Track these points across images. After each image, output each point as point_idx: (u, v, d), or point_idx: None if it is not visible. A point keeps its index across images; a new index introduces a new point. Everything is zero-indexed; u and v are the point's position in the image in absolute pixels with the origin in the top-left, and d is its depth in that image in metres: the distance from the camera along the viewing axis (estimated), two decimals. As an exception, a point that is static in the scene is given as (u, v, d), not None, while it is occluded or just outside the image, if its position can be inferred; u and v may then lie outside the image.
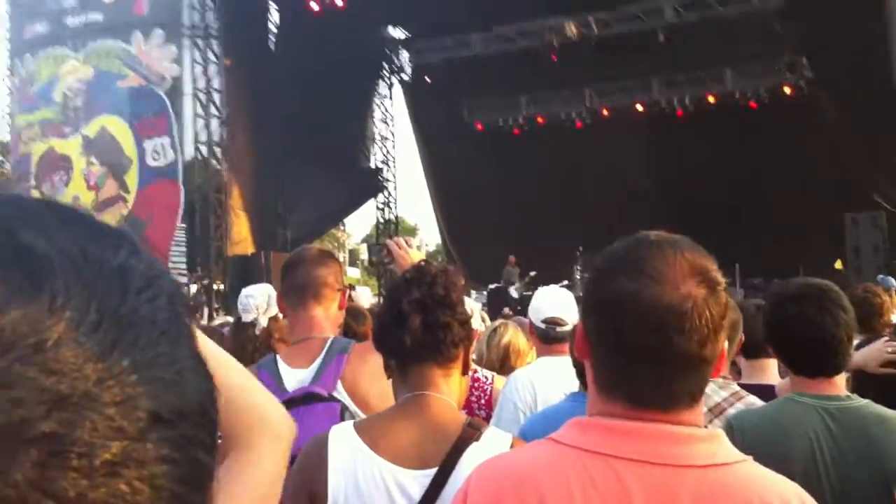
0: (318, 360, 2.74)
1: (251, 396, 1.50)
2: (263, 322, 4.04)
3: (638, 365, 1.32)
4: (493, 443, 1.99)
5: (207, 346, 1.53)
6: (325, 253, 3.08)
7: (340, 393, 2.65)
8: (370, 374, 2.56)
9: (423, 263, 2.26)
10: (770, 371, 3.50)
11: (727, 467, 1.31)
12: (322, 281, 2.89)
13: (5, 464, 0.39)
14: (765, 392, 3.12)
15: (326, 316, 2.89)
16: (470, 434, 2.00)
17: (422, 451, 1.99)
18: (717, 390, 3.02)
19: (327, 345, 2.78)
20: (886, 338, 4.07)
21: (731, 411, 2.88)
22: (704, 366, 1.33)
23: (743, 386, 3.37)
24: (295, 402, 2.56)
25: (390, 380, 2.17)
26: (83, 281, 0.44)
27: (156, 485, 0.43)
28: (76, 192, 19.46)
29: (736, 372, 3.60)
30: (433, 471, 1.96)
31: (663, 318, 1.29)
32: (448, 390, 2.10)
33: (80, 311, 0.43)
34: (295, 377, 2.72)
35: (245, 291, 4.27)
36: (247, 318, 4.32)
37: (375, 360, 2.23)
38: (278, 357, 2.82)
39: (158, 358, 0.45)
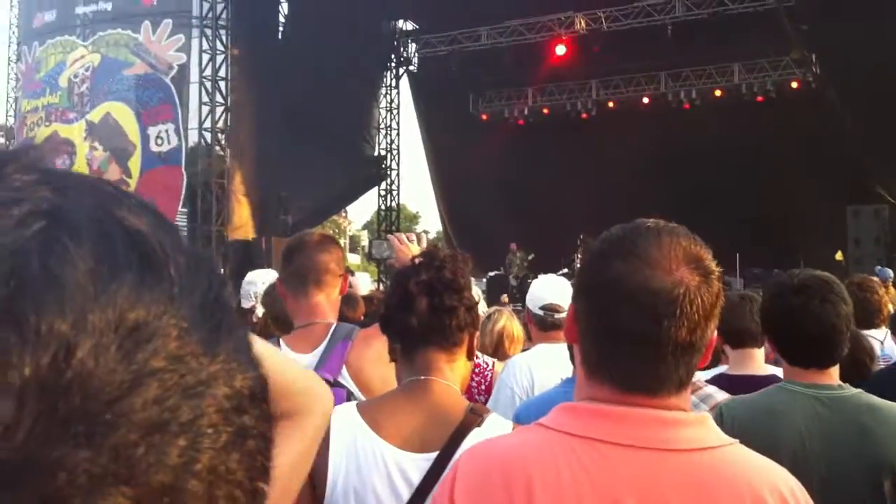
0: (322, 346, 2.74)
1: (289, 370, 1.49)
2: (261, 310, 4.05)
3: (626, 348, 1.32)
4: (494, 429, 1.99)
5: None
6: (326, 238, 3.04)
7: (345, 378, 2.66)
8: (374, 360, 2.57)
9: (432, 248, 2.27)
10: (757, 360, 3.50)
11: (715, 451, 1.32)
12: (324, 267, 2.87)
13: (159, 452, 0.40)
14: (752, 382, 3.13)
15: (328, 301, 2.88)
16: (472, 420, 2.00)
17: (423, 434, 2.00)
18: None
19: (331, 331, 2.78)
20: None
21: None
22: (693, 352, 1.33)
23: (730, 376, 3.38)
24: None
25: (394, 363, 2.17)
26: (187, 267, 0.45)
27: (256, 461, 0.46)
28: (79, 176, 19.45)
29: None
30: (434, 455, 1.96)
31: (654, 301, 1.29)
32: (452, 376, 2.10)
33: (192, 301, 0.44)
34: (300, 361, 2.70)
35: (247, 278, 4.28)
36: (246, 304, 4.33)
37: (380, 346, 2.24)
38: (282, 341, 2.82)
39: (241, 342, 0.47)
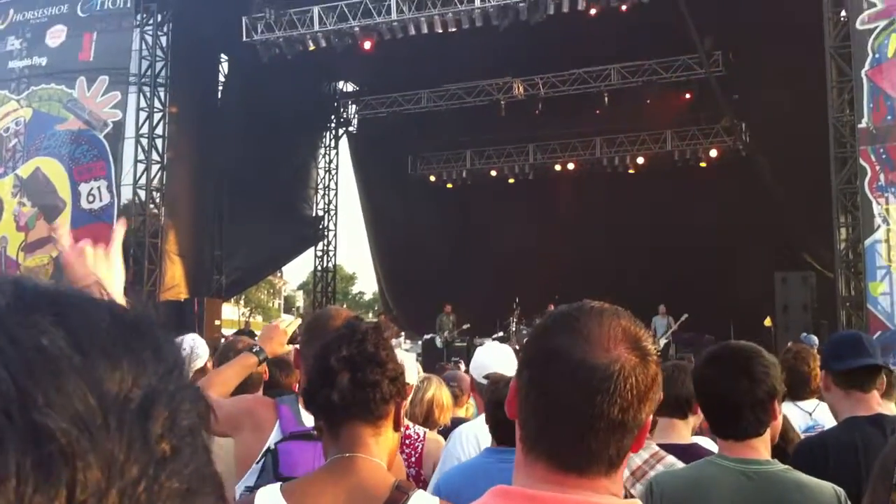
0: None
1: None
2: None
3: (560, 422, 1.33)
4: (420, 507, 1.94)
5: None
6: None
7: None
8: None
9: (354, 320, 2.24)
10: (679, 430, 3.56)
11: None
12: None
13: None
14: (674, 451, 3.19)
15: None
16: (397, 497, 1.96)
17: None
18: (638, 452, 3.02)
19: None
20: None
21: (652, 474, 2.90)
22: (625, 432, 1.33)
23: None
24: (312, 437, 2.64)
25: (321, 439, 2.13)
26: (101, 455, 0.39)
27: None
28: (4, 232, 19.02)
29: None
30: None
31: (590, 377, 1.30)
32: (378, 450, 2.06)
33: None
34: (310, 420, 2.75)
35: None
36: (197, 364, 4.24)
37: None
38: (299, 400, 2.88)
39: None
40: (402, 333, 17.86)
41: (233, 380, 3.31)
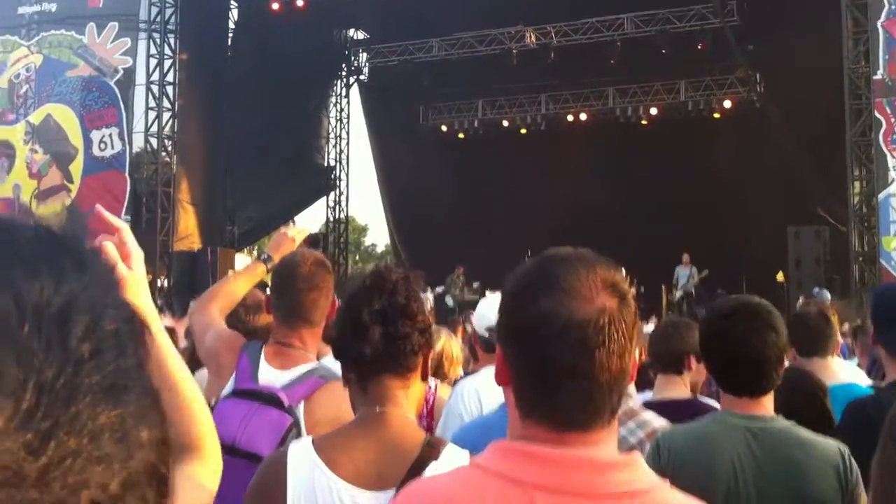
0: (296, 372, 2.75)
1: (205, 417, 1.64)
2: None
3: (562, 384, 1.33)
4: (451, 461, 1.96)
5: (173, 358, 1.59)
6: (317, 269, 2.94)
7: (299, 411, 2.65)
8: (331, 418, 2.55)
9: (383, 269, 2.22)
10: (678, 385, 3.59)
11: (645, 495, 1.33)
12: (313, 305, 2.88)
13: None
14: (672, 406, 3.23)
15: (311, 332, 2.90)
16: (429, 454, 1.98)
17: (380, 470, 1.97)
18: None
19: (311, 365, 2.80)
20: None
21: (621, 431, 2.87)
22: (625, 377, 1.35)
23: (652, 402, 3.45)
24: (257, 396, 2.62)
25: (348, 391, 2.13)
26: (18, 351, 0.42)
27: None
28: (17, 179, 19.05)
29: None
30: (391, 492, 1.92)
31: (582, 334, 1.31)
32: (407, 403, 2.07)
33: (17, 397, 0.41)
34: (268, 374, 2.74)
35: None
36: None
37: (343, 405, 2.22)
38: (264, 348, 2.84)
39: (103, 427, 0.43)
40: (429, 287, 17.93)
41: (240, 290, 3.31)
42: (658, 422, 2.96)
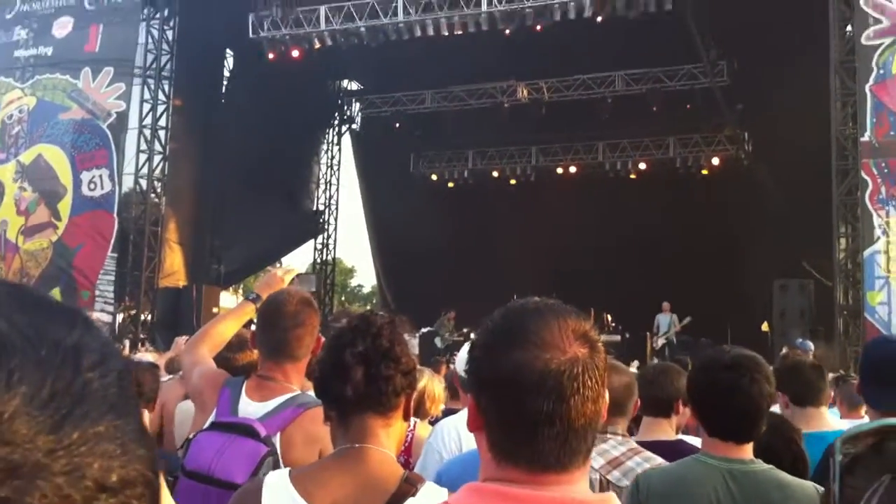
0: (275, 403, 2.78)
1: None
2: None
3: (540, 432, 1.35)
4: (428, 498, 1.95)
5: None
6: (303, 306, 2.96)
7: (277, 441, 2.66)
8: (308, 441, 2.64)
9: (369, 313, 2.24)
10: (665, 427, 3.64)
11: None
12: (298, 342, 2.90)
13: None
14: (661, 447, 3.24)
15: (295, 368, 2.92)
16: (406, 489, 1.97)
17: None
18: (616, 446, 3.13)
19: (290, 394, 2.82)
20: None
21: (629, 464, 2.98)
22: (598, 419, 1.39)
23: (640, 443, 3.49)
24: (233, 428, 2.64)
25: (327, 430, 2.14)
26: (38, 359, 0.48)
27: None
28: (5, 216, 19.03)
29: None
30: None
31: (557, 384, 1.34)
32: (387, 441, 2.08)
33: (35, 387, 0.47)
34: (248, 408, 2.77)
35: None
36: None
37: (321, 429, 2.23)
38: (245, 383, 2.87)
39: (106, 431, 0.49)
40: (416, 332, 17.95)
41: (229, 330, 3.36)
42: (660, 459, 3.01)
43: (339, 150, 26.10)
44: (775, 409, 4.19)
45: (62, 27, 19.41)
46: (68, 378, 0.49)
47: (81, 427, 0.47)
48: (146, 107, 18.85)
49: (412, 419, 4.04)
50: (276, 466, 2.50)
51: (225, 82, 21.61)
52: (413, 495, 1.96)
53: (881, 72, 13.96)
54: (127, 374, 0.53)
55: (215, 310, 16.89)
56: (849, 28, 14.45)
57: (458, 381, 4.02)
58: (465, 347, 4.05)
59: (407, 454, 3.92)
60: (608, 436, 3.19)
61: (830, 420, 3.97)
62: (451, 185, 24.17)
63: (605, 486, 2.87)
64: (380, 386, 2.03)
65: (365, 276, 57.42)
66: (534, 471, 1.35)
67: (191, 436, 2.75)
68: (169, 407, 4.92)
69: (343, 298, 45.07)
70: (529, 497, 1.34)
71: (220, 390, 2.89)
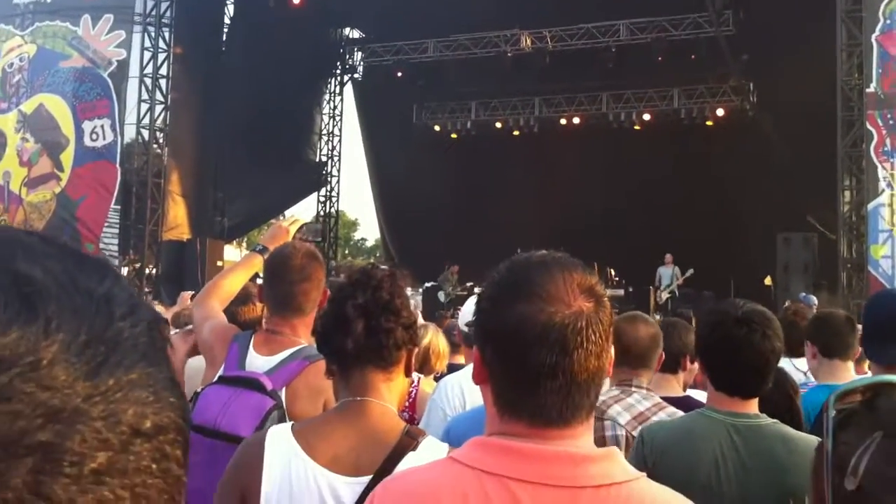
0: (281, 356, 2.80)
1: None
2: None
3: (542, 384, 1.36)
4: (429, 452, 1.97)
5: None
6: (309, 260, 2.97)
7: (283, 393, 2.69)
8: (313, 394, 2.66)
9: (369, 266, 2.25)
10: (672, 383, 3.65)
11: (622, 486, 1.35)
12: (305, 296, 2.92)
13: (5, 469, 0.43)
14: (669, 403, 3.24)
15: (303, 322, 2.93)
16: (407, 443, 1.99)
17: (358, 457, 1.98)
18: (640, 400, 3.14)
19: (296, 347, 2.84)
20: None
21: (655, 419, 2.99)
22: (602, 375, 1.40)
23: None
24: (239, 382, 2.67)
25: (331, 382, 2.16)
26: (74, 307, 0.50)
27: (136, 493, 0.48)
28: (8, 167, 18.98)
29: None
30: (368, 478, 1.94)
31: (562, 336, 1.34)
32: (389, 395, 2.09)
33: (72, 334, 0.48)
34: (255, 362, 2.80)
35: None
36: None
37: (325, 381, 2.24)
38: (253, 337, 2.91)
39: (139, 378, 0.50)
40: (417, 286, 18.01)
41: (238, 282, 3.38)
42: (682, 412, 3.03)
43: (342, 100, 25.92)
44: (802, 360, 4.23)
45: (61, -27, 19.19)
46: (102, 326, 0.50)
47: (116, 374, 0.49)
48: (147, 55, 18.66)
49: (417, 375, 4.09)
50: (281, 420, 2.53)
51: (226, 30, 21.38)
52: (414, 449, 1.99)
53: (888, 22, 13.80)
54: (155, 325, 0.54)
55: (220, 263, 16.93)
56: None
57: (461, 334, 4.03)
58: (470, 301, 4.07)
59: (412, 410, 3.95)
60: (633, 389, 3.19)
61: (855, 376, 3.96)
62: (454, 136, 24.03)
63: (631, 443, 2.86)
64: (380, 339, 2.05)
65: (368, 230, 57.45)
66: (536, 425, 1.37)
67: (199, 389, 2.78)
68: (175, 361, 4.94)
69: (346, 252, 45.18)
70: (533, 451, 1.35)
71: (229, 345, 2.93)
